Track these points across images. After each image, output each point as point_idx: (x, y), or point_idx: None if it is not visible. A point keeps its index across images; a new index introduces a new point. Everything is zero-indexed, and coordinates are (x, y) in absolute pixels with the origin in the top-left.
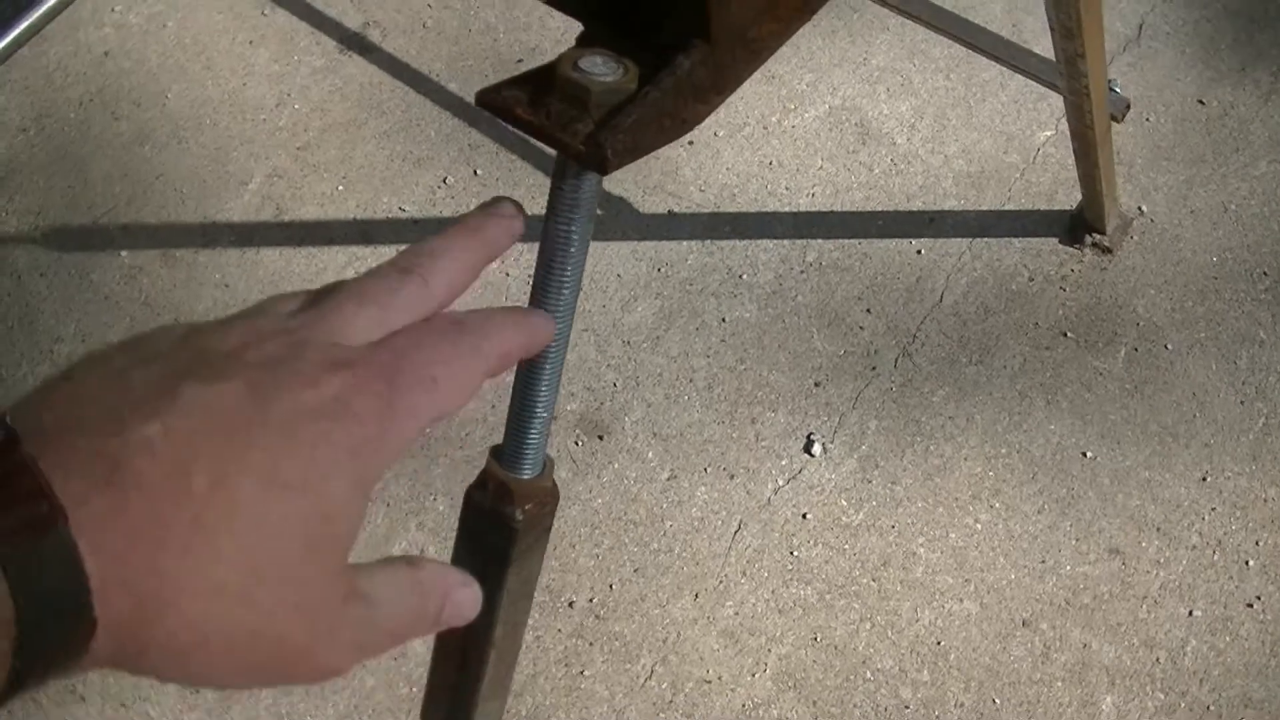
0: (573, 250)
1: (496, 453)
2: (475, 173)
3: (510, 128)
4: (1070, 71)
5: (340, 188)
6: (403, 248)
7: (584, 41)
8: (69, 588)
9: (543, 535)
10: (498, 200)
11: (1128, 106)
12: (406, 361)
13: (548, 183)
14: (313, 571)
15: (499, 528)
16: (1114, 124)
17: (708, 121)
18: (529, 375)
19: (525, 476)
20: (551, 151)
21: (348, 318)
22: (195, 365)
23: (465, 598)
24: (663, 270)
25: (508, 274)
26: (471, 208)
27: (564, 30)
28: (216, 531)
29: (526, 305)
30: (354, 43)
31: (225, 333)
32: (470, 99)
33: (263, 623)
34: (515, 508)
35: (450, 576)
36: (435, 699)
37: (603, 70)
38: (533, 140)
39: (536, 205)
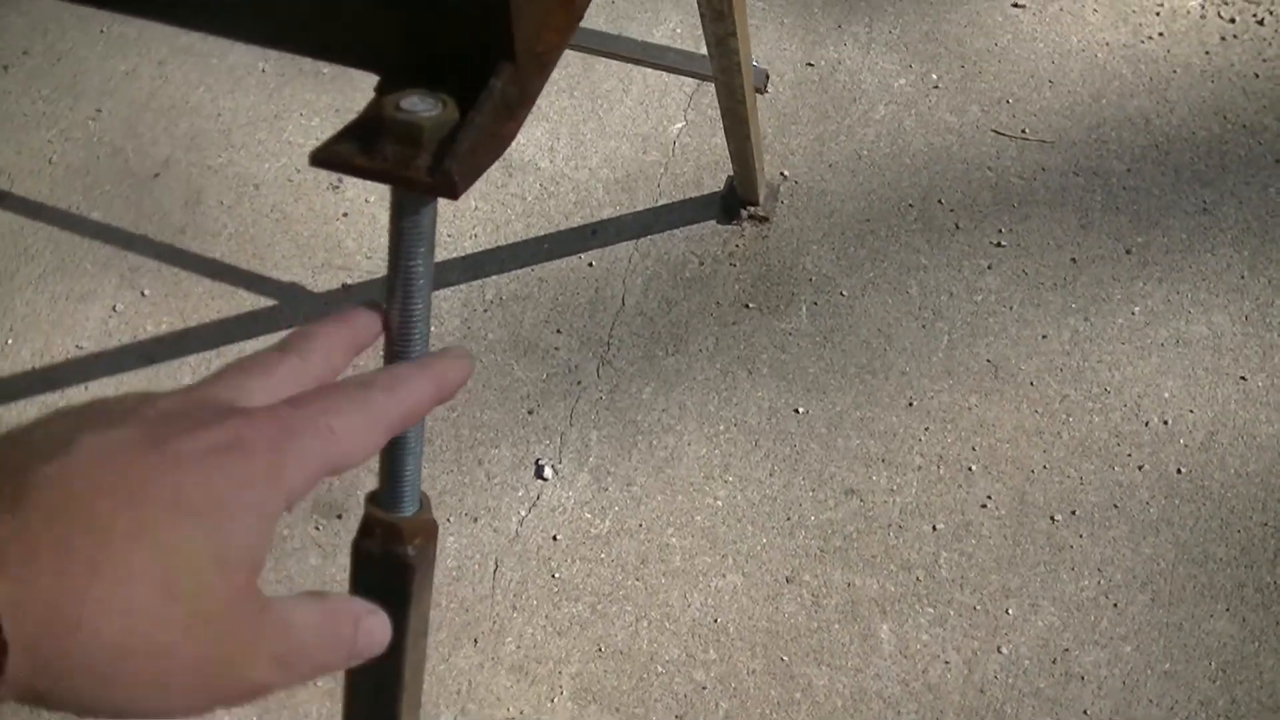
0: (423, 282)
1: (375, 498)
2: (143, 294)
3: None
4: (722, 51)
5: (10, 341)
6: (92, 384)
7: (386, 88)
8: None
9: (431, 569)
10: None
11: (767, 76)
12: (301, 412)
13: (216, 287)
14: (223, 587)
15: (394, 569)
16: (757, 96)
17: (357, 190)
18: None
19: (408, 514)
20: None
21: (237, 382)
22: (93, 421)
23: (376, 624)
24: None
25: None
26: (147, 328)
27: (193, 136)
28: (123, 550)
29: (385, 346)
30: None
31: (123, 399)
32: (115, 223)
33: (179, 638)
34: (406, 545)
35: (357, 604)
36: None
37: (425, 106)
38: (180, 244)
39: (210, 311)
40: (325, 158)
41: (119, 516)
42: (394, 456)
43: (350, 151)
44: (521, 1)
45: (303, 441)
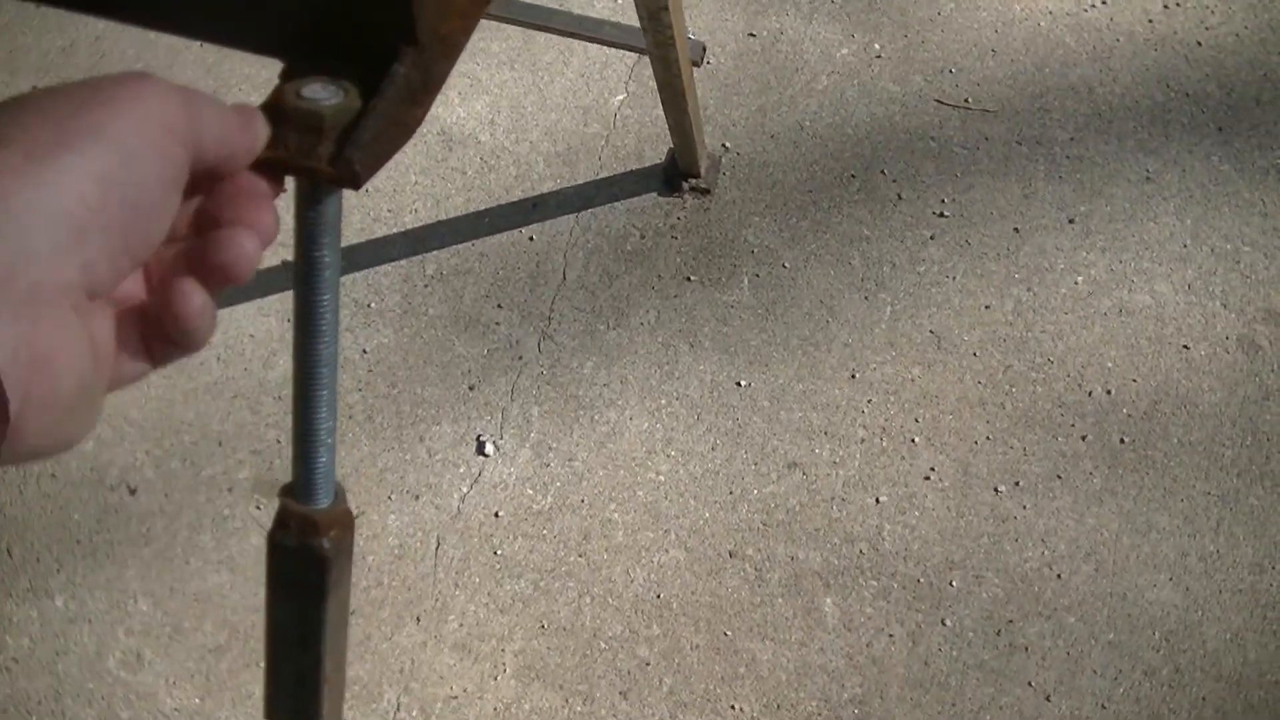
0: (329, 273)
1: (290, 490)
2: None
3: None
4: (655, 26)
5: None
6: None
7: (290, 75)
8: None
9: (349, 560)
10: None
11: (704, 49)
12: None
13: None
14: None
15: (310, 562)
16: (695, 69)
17: None
18: (306, 405)
19: (323, 506)
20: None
21: None
22: None
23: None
24: (292, 320)
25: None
26: None
27: None
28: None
29: (294, 337)
30: None
31: None
32: None
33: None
34: (321, 538)
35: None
36: None
37: (326, 94)
38: None
39: None
40: None
41: None
42: (306, 447)
43: None
44: None
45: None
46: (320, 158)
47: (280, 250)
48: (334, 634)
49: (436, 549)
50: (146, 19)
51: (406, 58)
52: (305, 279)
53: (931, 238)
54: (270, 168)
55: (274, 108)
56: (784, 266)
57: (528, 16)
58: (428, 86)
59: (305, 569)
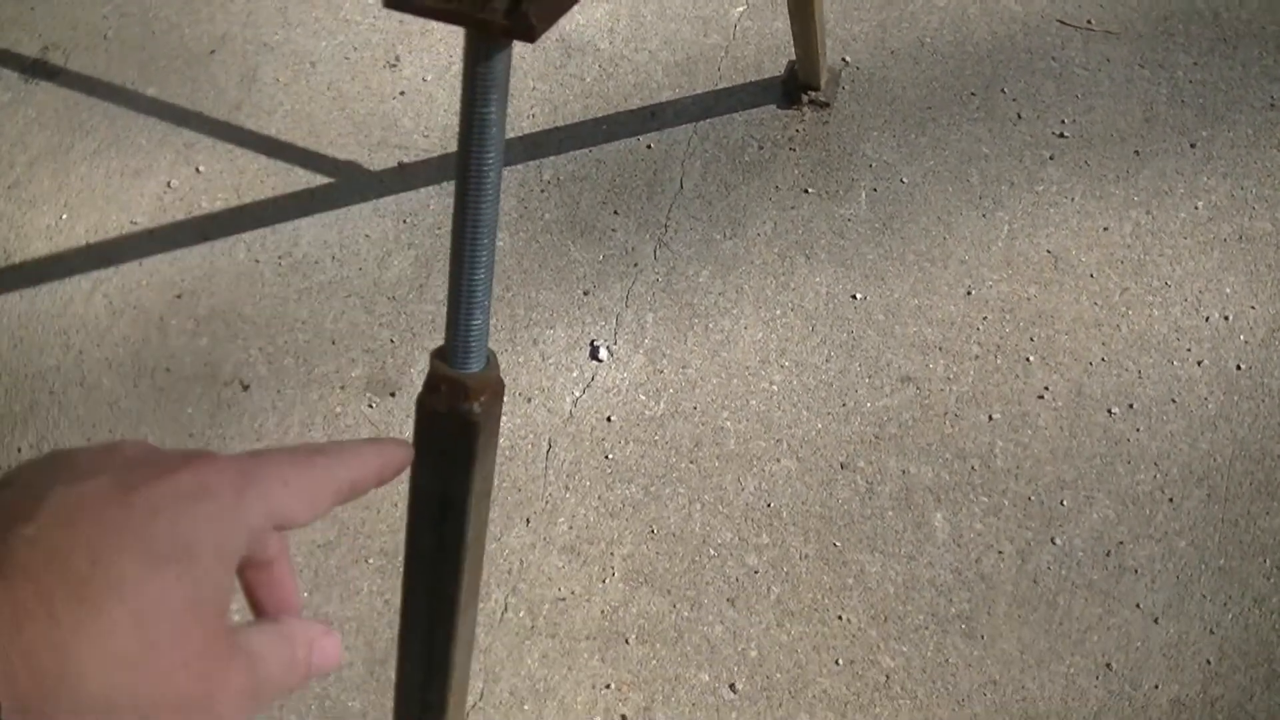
0: (495, 131)
1: (441, 353)
2: (198, 170)
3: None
4: None
5: (65, 216)
6: (146, 261)
7: None
8: None
9: (496, 428)
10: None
11: None
12: (261, 460)
13: (272, 165)
14: (198, 632)
15: (459, 426)
16: None
17: (414, 68)
18: (466, 265)
19: (474, 370)
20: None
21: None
22: (64, 474)
23: (328, 645)
24: (408, 221)
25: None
26: (202, 204)
27: (249, 12)
28: (104, 605)
29: (455, 197)
30: (37, 70)
31: (90, 448)
32: (171, 100)
33: (163, 685)
34: (471, 402)
35: (313, 628)
36: (413, 610)
37: None
38: (236, 121)
39: (265, 188)
40: (399, 1)
41: (96, 572)
42: (462, 309)
43: None
44: None
45: (262, 487)
46: (495, 10)
47: (395, 152)
48: (478, 504)
49: (548, 451)
50: None
51: None
52: (471, 137)
53: (1050, 158)
54: (442, 19)
55: None
56: (902, 182)
57: None
58: None
59: (454, 434)
